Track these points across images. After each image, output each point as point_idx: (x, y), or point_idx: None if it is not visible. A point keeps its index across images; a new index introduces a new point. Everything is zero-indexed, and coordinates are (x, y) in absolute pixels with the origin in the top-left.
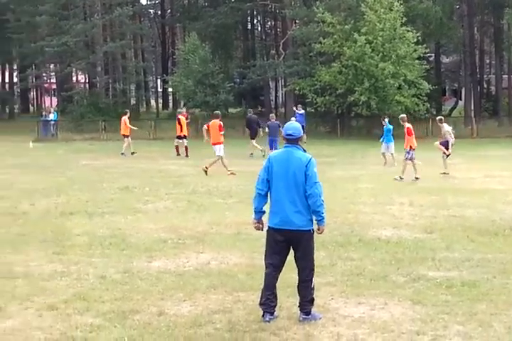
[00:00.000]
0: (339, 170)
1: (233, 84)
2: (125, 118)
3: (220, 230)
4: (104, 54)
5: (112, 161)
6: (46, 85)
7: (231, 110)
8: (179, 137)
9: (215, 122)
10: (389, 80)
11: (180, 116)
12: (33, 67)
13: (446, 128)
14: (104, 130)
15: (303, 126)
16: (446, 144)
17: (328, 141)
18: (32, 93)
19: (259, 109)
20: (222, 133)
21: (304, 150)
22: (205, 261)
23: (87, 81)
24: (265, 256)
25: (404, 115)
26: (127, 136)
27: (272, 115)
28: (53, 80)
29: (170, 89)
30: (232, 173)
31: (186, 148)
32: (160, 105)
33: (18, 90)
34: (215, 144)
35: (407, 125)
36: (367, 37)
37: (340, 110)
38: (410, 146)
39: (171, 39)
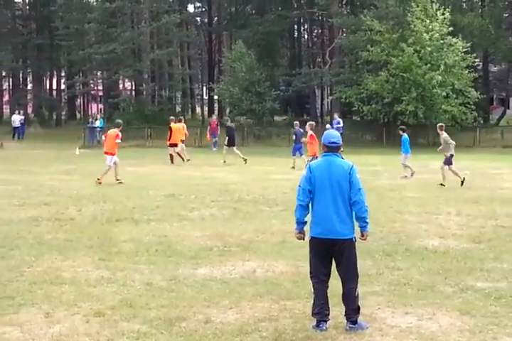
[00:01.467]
0: (384, 179)
1: (279, 91)
2: (183, 125)
3: (265, 238)
4: (151, 61)
5: (158, 168)
6: (93, 92)
7: (276, 118)
8: (171, 145)
9: (113, 131)
10: (436, 90)
11: (172, 124)
12: (81, 74)
13: (445, 135)
14: (149, 137)
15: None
16: (450, 159)
17: (373, 149)
18: (79, 100)
19: (305, 117)
20: (118, 141)
21: (342, 159)
22: (250, 269)
23: (133, 88)
24: (310, 266)
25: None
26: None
27: (296, 122)
28: (100, 87)
29: (216, 97)
30: (120, 182)
31: (171, 155)
32: (205, 113)
33: (66, 97)
34: (107, 154)
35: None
36: (414, 47)
37: (387, 119)
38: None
39: (218, 47)
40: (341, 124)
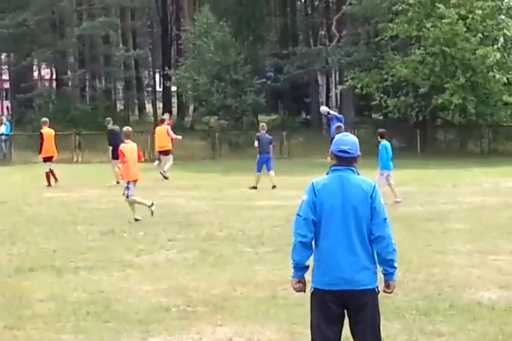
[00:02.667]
0: (418, 203)
1: (265, 80)
2: (166, 128)
3: (246, 292)
4: (79, 38)
5: (91, 193)
6: None
7: (262, 118)
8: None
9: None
10: (493, 73)
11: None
12: None
13: None
14: (78, 148)
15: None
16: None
17: (402, 160)
18: None
19: (304, 116)
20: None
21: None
22: (225, 338)
23: (53, 77)
24: (312, 331)
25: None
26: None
27: (263, 124)
28: (5, 77)
29: (174, 89)
30: None
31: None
32: (159, 111)
33: None
34: None
35: None
36: (458, 10)
37: (422, 116)
38: None
39: (175, 16)
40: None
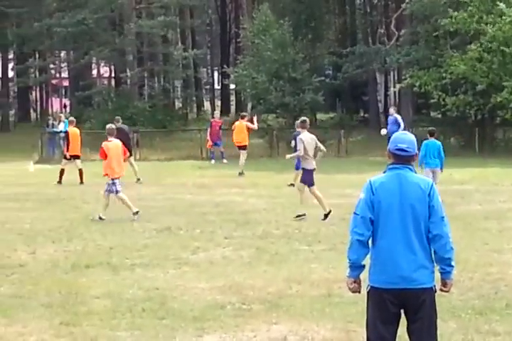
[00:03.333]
0: (477, 202)
1: (324, 78)
2: (245, 124)
3: (302, 291)
4: (137, 36)
5: (148, 190)
6: (55, 82)
7: (320, 116)
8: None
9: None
10: None
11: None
12: (37, 55)
13: (305, 137)
14: (136, 145)
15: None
16: (310, 175)
17: (461, 159)
18: (34, 93)
19: (362, 114)
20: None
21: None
22: (280, 336)
23: (112, 75)
24: (368, 329)
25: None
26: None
27: (305, 119)
28: (65, 75)
29: (232, 87)
30: None
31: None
32: (218, 109)
33: (15, 89)
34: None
35: None
36: None
37: (481, 115)
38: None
39: (234, 14)
40: (402, 124)
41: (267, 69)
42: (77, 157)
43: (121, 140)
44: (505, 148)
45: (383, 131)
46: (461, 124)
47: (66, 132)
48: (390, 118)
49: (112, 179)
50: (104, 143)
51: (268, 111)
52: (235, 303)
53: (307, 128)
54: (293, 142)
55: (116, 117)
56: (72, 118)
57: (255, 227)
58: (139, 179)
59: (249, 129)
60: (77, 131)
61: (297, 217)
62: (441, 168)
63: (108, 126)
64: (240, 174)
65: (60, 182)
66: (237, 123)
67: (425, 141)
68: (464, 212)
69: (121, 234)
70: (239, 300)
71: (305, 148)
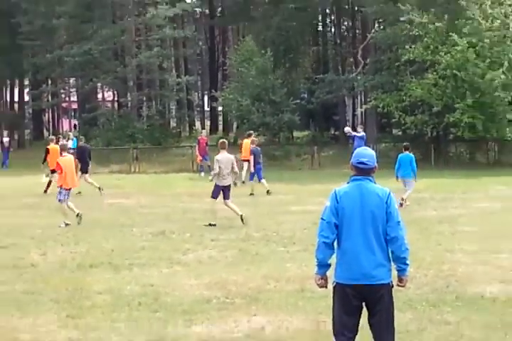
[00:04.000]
0: (432, 208)
1: (299, 101)
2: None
3: (278, 286)
4: (137, 65)
5: (146, 199)
6: (65, 105)
7: (297, 134)
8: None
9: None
10: (500, 94)
11: (50, 146)
12: (49, 82)
13: (221, 157)
14: (136, 160)
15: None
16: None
17: (418, 171)
18: (47, 115)
19: (333, 132)
20: None
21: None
22: (258, 326)
23: (115, 99)
24: (334, 320)
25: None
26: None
27: (254, 140)
28: (73, 98)
29: (220, 108)
30: None
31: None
32: (207, 128)
33: (30, 111)
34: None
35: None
36: (469, 39)
37: (436, 132)
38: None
39: (222, 45)
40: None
41: (249, 93)
42: (54, 171)
43: (82, 156)
44: (457, 161)
45: (346, 129)
46: (419, 140)
47: (47, 149)
48: (358, 135)
49: (65, 189)
50: (59, 159)
51: (251, 129)
52: (220, 297)
53: (226, 148)
54: (252, 157)
55: (81, 137)
56: (52, 137)
57: (238, 231)
58: (99, 188)
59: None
60: (57, 147)
61: (208, 225)
62: (414, 177)
63: (61, 142)
64: (242, 183)
65: (46, 191)
66: (244, 140)
67: (400, 154)
68: (420, 217)
69: (122, 238)
70: (223, 294)
71: (220, 168)
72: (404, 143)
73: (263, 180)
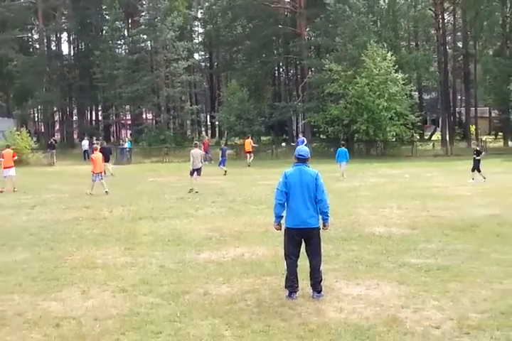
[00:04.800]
0: (344, 182)
1: (264, 118)
2: (250, 140)
3: (252, 230)
4: (166, 97)
5: (172, 178)
6: (123, 121)
7: (263, 138)
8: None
9: (9, 151)
10: (383, 113)
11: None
12: (113, 108)
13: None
14: (166, 154)
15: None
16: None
17: (334, 161)
18: (112, 127)
19: (284, 136)
20: (15, 158)
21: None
22: (240, 253)
23: (153, 118)
24: (285, 249)
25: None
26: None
27: (223, 141)
28: (128, 117)
29: (216, 123)
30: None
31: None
32: (209, 134)
33: (102, 125)
34: (8, 168)
35: None
36: (366, 80)
37: (346, 136)
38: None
39: (217, 85)
40: (305, 142)
41: (234, 114)
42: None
43: (105, 153)
44: (358, 154)
45: (283, 144)
46: (336, 141)
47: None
48: (299, 139)
49: (95, 173)
50: (92, 155)
51: (235, 135)
52: (217, 236)
53: (198, 147)
54: (220, 152)
55: (102, 141)
56: (96, 145)
57: (227, 196)
58: (112, 174)
59: (250, 143)
60: (100, 154)
61: (189, 191)
62: (347, 162)
63: (94, 146)
64: (249, 166)
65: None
66: (246, 140)
67: (338, 149)
68: (336, 188)
69: (158, 201)
70: (219, 234)
71: (193, 158)
72: (342, 142)
73: (222, 166)
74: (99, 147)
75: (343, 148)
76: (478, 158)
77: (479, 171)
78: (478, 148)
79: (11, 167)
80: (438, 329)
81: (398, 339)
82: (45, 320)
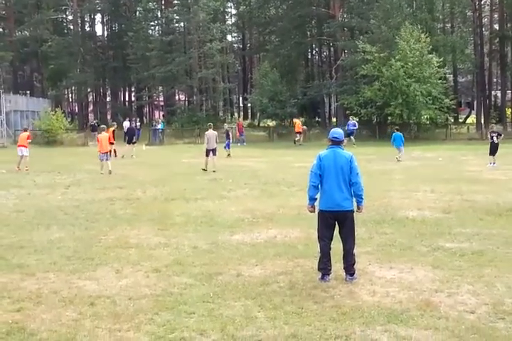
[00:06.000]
0: (377, 165)
1: (297, 100)
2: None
3: (284, 212)
4: (199, 79)
5: (205, 160)
6: (156, 102)
7: (295, 120)
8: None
9: (25, 134)
10: (418, 97)
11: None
12: (146, 89)
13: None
14: (198, 136)
15: (352, 132)
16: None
17: (369, 142)
18: (145, 108)
19: (317, 119)
20: (29, 141)
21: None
22: (272, 235)
23: (186, 99)
24: (318, 231)
25: None
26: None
27: (210, 124)
28: (161, 99)
29: (249, 105)
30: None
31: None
32: (241, 116)
33: (135, 106)
34: (22, 146)
35: None
36: (400, 63)
37: (379, 119)
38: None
39: (250, 67)
40: (356, 126)
41: (266, 95)
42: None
43: (130, 134)
44: (391, 137)
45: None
46: (369, 124)
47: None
48: (350, 122)
49: (100, 152)
50: (98, 135)
51: (267, 117)
52: (249, 218)
53: (211, 128)
54: (224, 135)
55: (132, 120)
56: (103, 126)
57: (260, 178)
58: (132, 155)
59: (299, 124)
60: (106, 135)
61: (203, 170)
62: (403, 145)
63: (101, 127)
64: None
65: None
66: (295, 120)
67: (394, 133)
68: (370, 170)
69: (191, 182)
70: (251, 216)
71: (208, 139)
72: (396, 127)
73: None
74: (108, 128)
75: (398, 132)
76: (497, 141)
77: (494, 154)
78: (499, 131)
79: (24, 146)
80: (473, 314)
81: (432, 324)
82: (79, 298)
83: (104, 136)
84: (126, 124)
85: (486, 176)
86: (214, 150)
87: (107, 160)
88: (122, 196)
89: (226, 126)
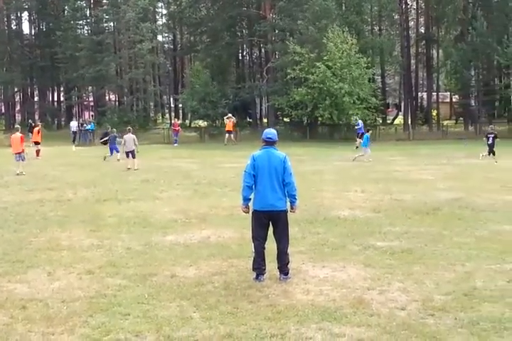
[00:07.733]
0: (308, 165)
1: (228, 100)
2: (233, 121)
3: (217, 212)
4: (130, 79)
5: (137, 160)
6: (85, 103)
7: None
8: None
9: (17, 135)
10: (346, 98)
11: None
12: (76, 89)
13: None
14: None
15: (362, 133)
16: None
17: (300, 143)
18: (75, 109)
19: (248, 119)
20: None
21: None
22: (206, 236)
23: (116, 99)
24: (252, 231)
25: None
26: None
27: (129, 128)
28: (91, 99)
29: (180, 105)
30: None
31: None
32: (172, 117)
33: (64, 106)
34: (18, 153)
35: None
36: (328, 63)
37: (309, 120)
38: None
39: (181, 67)
40: (360, 125)
41: (197, 96)
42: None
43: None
44: (322, 137)
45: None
46: (299, 125)
47: (32, 130)
48: (359, 121)
49: (14, 153)
50: (11, 136)
51: (198, 118)
52: (183, 219)
53: (130, 132)
54: (122, 141)
55: (113, 129)
56: (17, 126)
57: (192, 179)
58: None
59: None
60: (19, 135)
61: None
62: (368, 147)
63: (15, 127)
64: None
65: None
66: (226, 121)
67: (366, 135)
68: (301, 171)
69: (122, 183)
70: (185, 217)
71: (126, 142)
72: (367, 128)
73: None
74: (33, 127)
75: (367, 133)
76: (491, 142)
77: (494, 154)
78: (495, 132)
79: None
80: (403, 311)
81: (364, 321)
82: (10, 302)
83: (16, 136)
84: (73, 124)
85: (413, 176)
86: (132, 152)
87: (22, 160)
88: (52, 197)
89: (114, 130)
